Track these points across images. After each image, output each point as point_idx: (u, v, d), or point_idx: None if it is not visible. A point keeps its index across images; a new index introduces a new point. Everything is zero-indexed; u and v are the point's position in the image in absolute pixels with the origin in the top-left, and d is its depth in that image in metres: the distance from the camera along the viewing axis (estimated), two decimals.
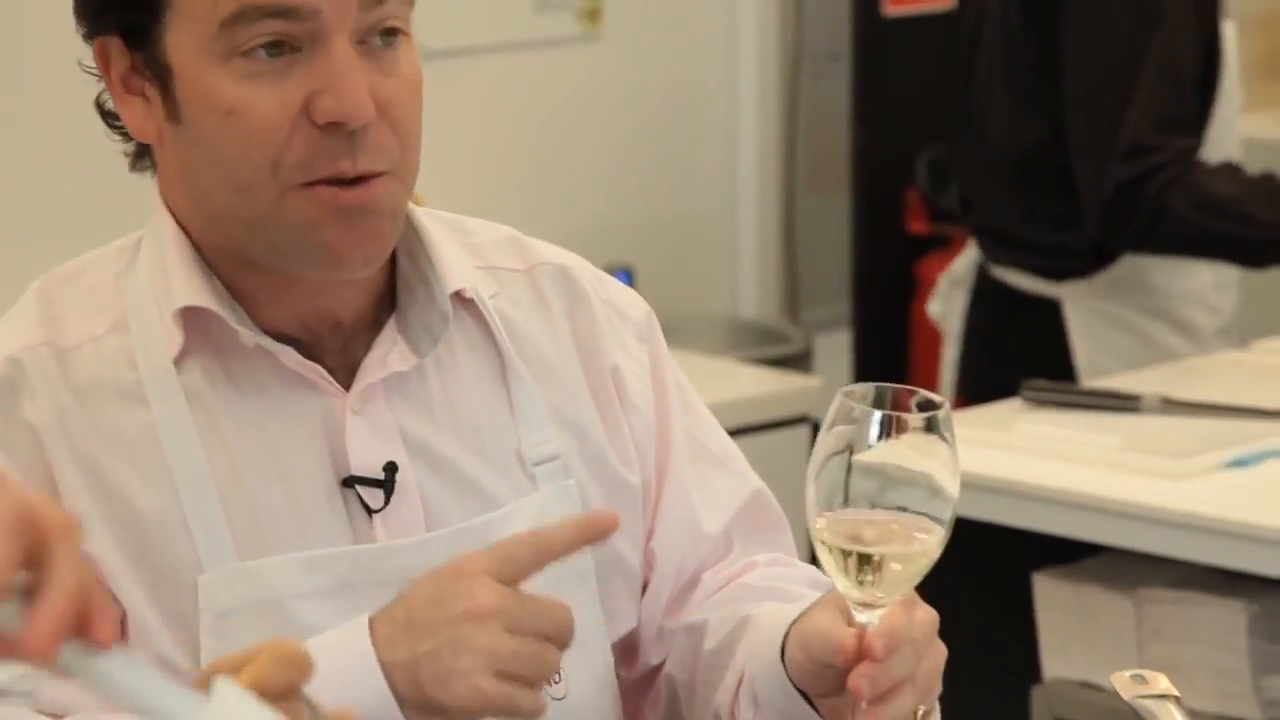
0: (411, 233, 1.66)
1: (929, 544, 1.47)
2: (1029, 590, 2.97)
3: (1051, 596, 2.92)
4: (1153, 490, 2.78)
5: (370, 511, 1.61)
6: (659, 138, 4.60)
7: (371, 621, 1.49)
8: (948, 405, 1.48)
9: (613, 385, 1.72)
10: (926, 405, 1.48)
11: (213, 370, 1.60)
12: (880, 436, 1.46)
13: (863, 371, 4.68)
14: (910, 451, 1.47)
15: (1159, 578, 2.85)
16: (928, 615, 1.53)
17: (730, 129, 4.70)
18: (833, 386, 1.91)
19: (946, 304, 3.64)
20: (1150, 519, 2.75)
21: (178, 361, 1.60)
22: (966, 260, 3.59)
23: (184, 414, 1.59)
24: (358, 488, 1.61)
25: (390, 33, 1.58)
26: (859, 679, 1.48)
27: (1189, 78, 3.31)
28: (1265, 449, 2.88)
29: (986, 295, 3.53)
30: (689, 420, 1.77)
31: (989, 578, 3.09)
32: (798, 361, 4.44)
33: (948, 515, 1.48)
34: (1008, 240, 3.47)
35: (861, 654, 1.48)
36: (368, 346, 1.64)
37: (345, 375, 1.63)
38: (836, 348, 4.78)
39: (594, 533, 1.51)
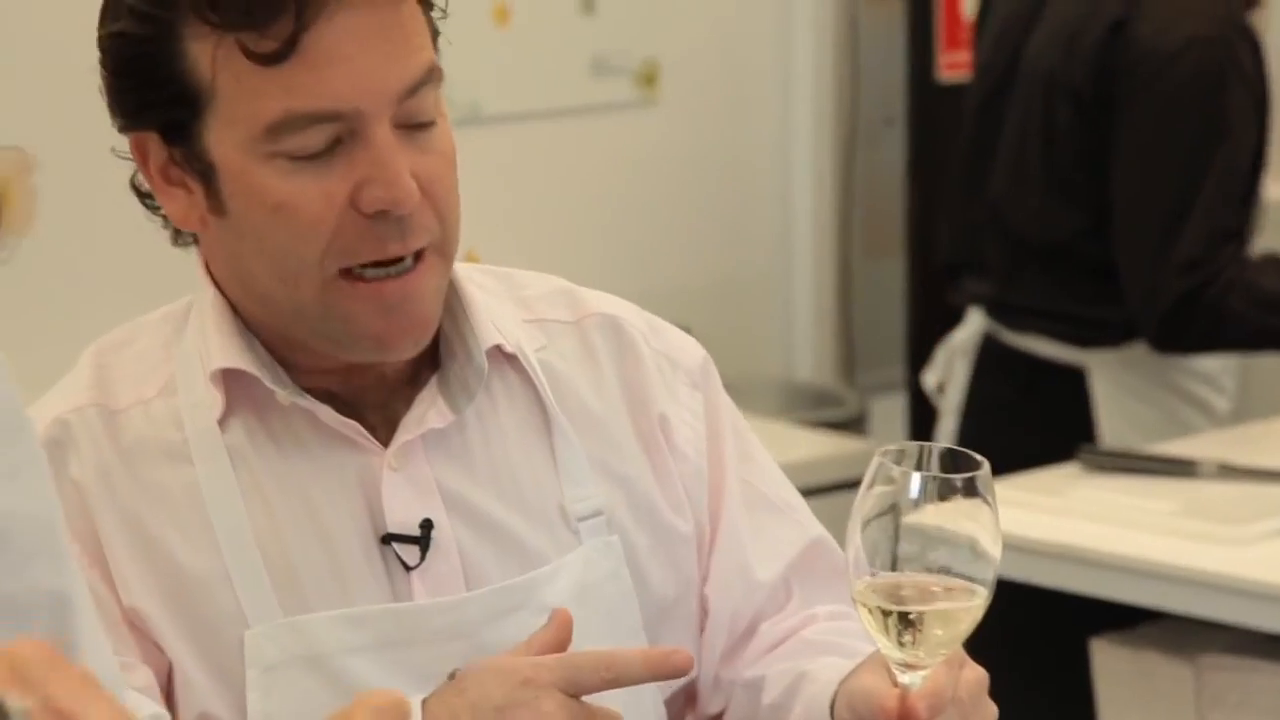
0: (452, 292, 1.67)
1: (971, 606, 1.47)
2: (1085, 656, 2.95)
3: (1110, 663, 2.91)
4: (1211, 556, 2.77)
5: (407, 568, 1.62)
6: (715, 201, 4.61)
7: (427, 706, 1.51)
8: (987, 466, 1.48)
9: (661, 434, 1.72)
10: (966, 465, 1.47)
11: (255, 429, 1.62)
12: (920, 497, 1.46)
13: (918, 434, 4.67)
14: (951, 512, 1.46)
15: (1217, 644, 2.83)
16: (975, 675, 1.53)
17: (786, 193, 4.71)
18: None
19: (945, 376, 3.60)
20: (1208, 585, 2.74)
21: (221, 421, 1.62)
22: (969, 330, 3.56)
23: (227, 473, 1.61)
24: (394, 545, 1.62)
25: (420, 125, 1.59)
26: None
27: (1245, 185, 3.31)
28: None
29: (997, 364, 3.49)
30: (746, 468, 1.76)
31: (1045, 643, 3.07)
32: (852, 425, 4.44)
33: (990, 576, 1.47)
34: (1031, 310, 3.44)
35: (904, 715, 1.48)
36: (408, 402, 1.65)
37: (386, 431, 1.64)
38: (891, 411, 4.78)
39: (668, 671, 1.55)
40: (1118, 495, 2.94)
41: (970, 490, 1.46)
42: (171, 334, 1.66)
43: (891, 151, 4.85)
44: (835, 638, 1.71)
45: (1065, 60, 3.36)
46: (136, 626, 1.60)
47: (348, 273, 1.57)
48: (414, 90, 1.57)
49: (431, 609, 1.61)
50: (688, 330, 1.82)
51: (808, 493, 1.88)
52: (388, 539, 1.62)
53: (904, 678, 1.49)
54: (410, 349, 1.61)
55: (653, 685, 1.67)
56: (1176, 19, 3.29)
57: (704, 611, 1.73)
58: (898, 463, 1.47)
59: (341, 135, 1.55)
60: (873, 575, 1.46)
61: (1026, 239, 3.42)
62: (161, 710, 1.55)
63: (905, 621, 1.46)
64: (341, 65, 1.53)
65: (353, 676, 1.58)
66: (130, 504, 1.60)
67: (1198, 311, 3.25)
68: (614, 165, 4.46)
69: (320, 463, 1.62)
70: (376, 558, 1.62)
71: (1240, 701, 2.79)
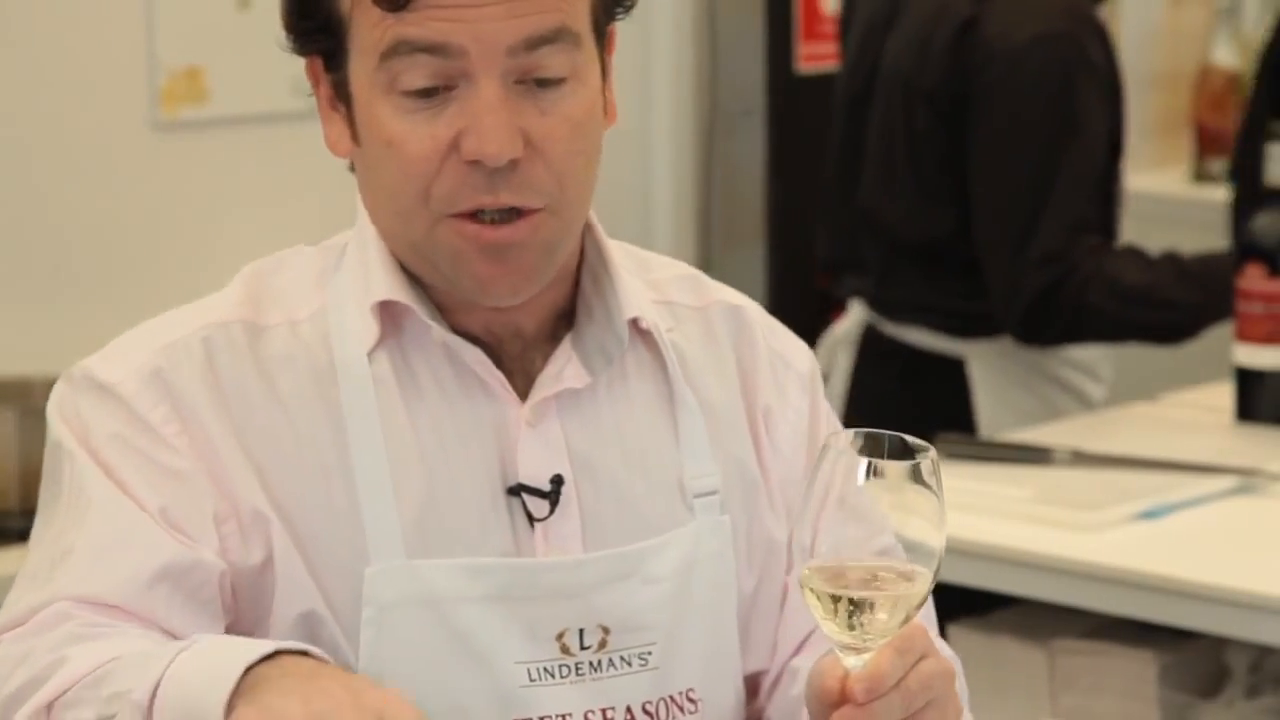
0: (598, 257, 1.72)
1: (915, 589, 1.49)
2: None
3: (965, 648, 2.94)
4: (1064, 542, 2.81)
5: (533, 520, 1.65)
6: None
7: None
8: (934, 453, 1.50)
9: (764, 425, 1.76)
10: (912, 452, 1.50)
11: (399, 364, 1.66)
12: (866, 483, 1.49)
13: None
14: (895, 497, 1.49)
15: (1071, 629, 2.87)
16: (936, 667, 1.54)
17: (645, 183, 4.72)
18: None
19: (828, 366, 3.61)
20: (1062, 571, 2.78)
21: (370, 354, 1.65)
22: (850, 320, 3.58)
23: (371, 405, 1.64)
24: (524, 496, 1.65)
25: (544, 82, 1.62)
26: None
27: (1101, 176, 3.35)
28: (1174, 501, 2.91)
29: (878, 354, 3.51)
30: None
31: None
32: None
33: (933, 563, 1.50)
34: (908, 303, 3.48)
35: (843, 697, 1.51)
36: (543, 357, 1.69)
37: (518, 382, 1.68)
38: None
39: None
40: (973, 483, 2.97)
41: (916, 476, 1.49)
42: (329, 266, 1.69)
43: (750, 142, 4.88)
44: None
45: (919, 63, 3.37)
46: (230, 528, 1.61)
47: (454, 216, 1.62)
48: (532, 46, 1.60)
49: (549, 566, 1.64)
50: None
51: None
52: (517, 490, 1.65)
53: (848, 660, 1.51)
54: (509, 297, 1.64)
55: (736, 670, 1.71)
56: (1023, 17, 3.31)
57: (784, 600, 1.75)
58: (845, 449, 1.49)
59: (453, 79, 1.60)
60: (818, 559, 1.49)
61: (899, 239, 3.44)
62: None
63: (851, 605, 1.49)
64: (456, 8, 1.59)
65: (465, 624, 1.62)
66: (266, 412, 1.63)
67: (1057, 305, 3.28)
68: None
69: (457, 407, 1.66)
70: (502, 508, 1.65)
71: (1093, 684, 2.83)
